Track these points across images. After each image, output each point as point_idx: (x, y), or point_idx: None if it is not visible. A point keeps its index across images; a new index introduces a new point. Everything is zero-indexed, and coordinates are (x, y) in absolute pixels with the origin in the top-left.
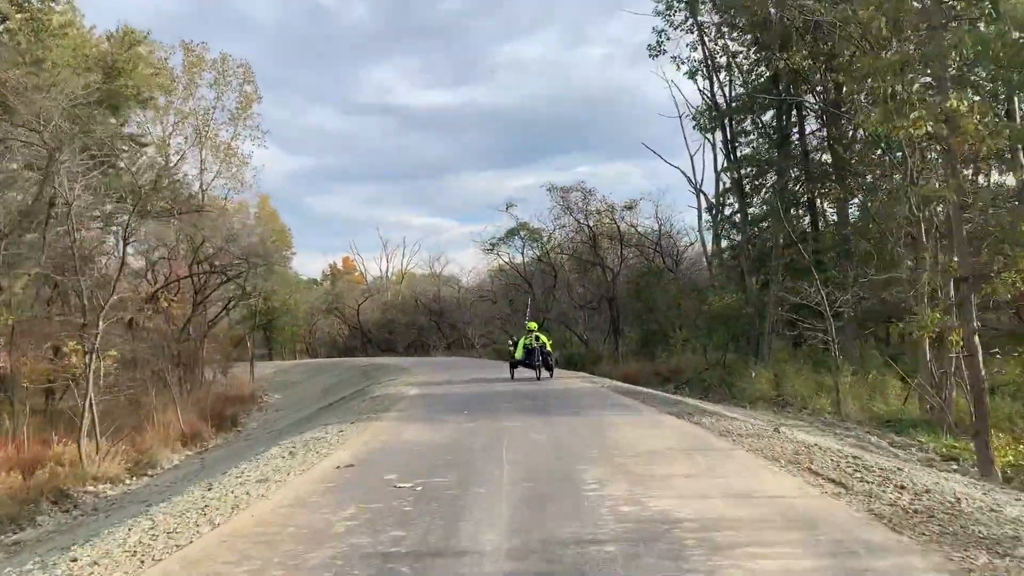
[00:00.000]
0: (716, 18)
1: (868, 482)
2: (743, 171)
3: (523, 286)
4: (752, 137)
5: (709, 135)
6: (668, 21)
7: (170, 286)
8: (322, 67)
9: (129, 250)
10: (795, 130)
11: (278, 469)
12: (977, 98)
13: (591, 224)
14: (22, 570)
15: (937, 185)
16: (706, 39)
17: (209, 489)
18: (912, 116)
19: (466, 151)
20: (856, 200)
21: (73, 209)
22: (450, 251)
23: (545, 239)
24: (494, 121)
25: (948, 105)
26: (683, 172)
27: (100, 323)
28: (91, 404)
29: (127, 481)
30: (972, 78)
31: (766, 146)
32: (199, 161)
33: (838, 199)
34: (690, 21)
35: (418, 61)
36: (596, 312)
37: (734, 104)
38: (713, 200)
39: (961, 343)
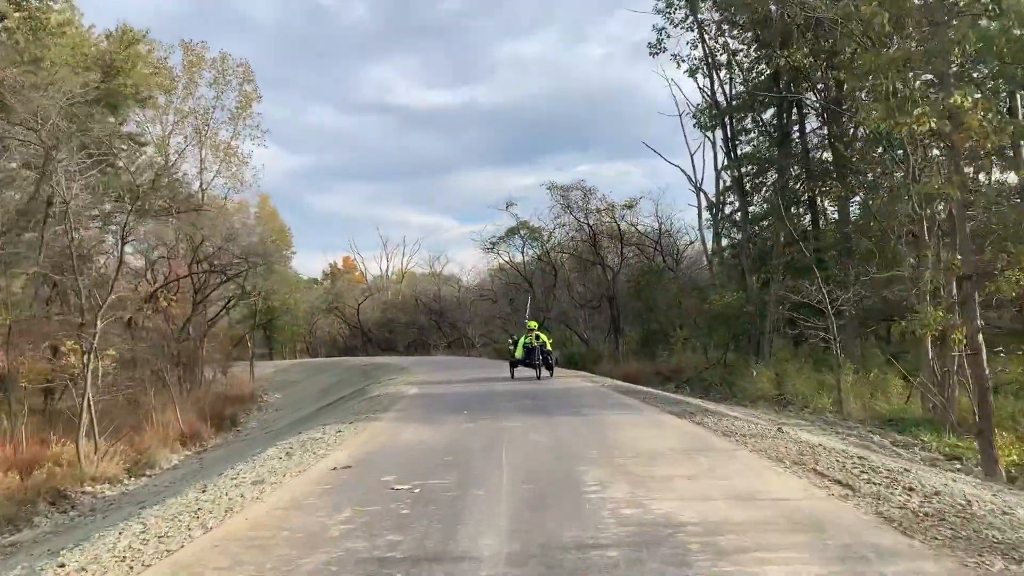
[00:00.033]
0: (716, 15)
1: (875, 483)
2: (743, 169)
3: (523, 285)
4: (753, 135)
5: (709, 133)
6: (668, 19)
7: (169, 285)
8: (322, 66)
9: (128, 249)
10: (796, 128)
11: (274, 470)
12: (979, 95)
13: (591, 223)
14: None
15: (940, 182)
16: (706, 37)
17: (203, 491)
18: (915, 113)
19: (466, 150)
20: (857, 198)
21: (71, 208)
22: (450, 250)
23: (545, 238)
24: (494, 120)
25: (952, 101)
26: (683, 171)
27: (98, 322)
28: (89, 404)
29: (125, 481)
30: (975, 74)
31: (767, 144)
32: (199, 160)
33: (839, 197)
34: (690, 19)
35: (418, 60)
36: (596, 311)
37: (734, 102)
38: (713, 199)
39: (964, 341)
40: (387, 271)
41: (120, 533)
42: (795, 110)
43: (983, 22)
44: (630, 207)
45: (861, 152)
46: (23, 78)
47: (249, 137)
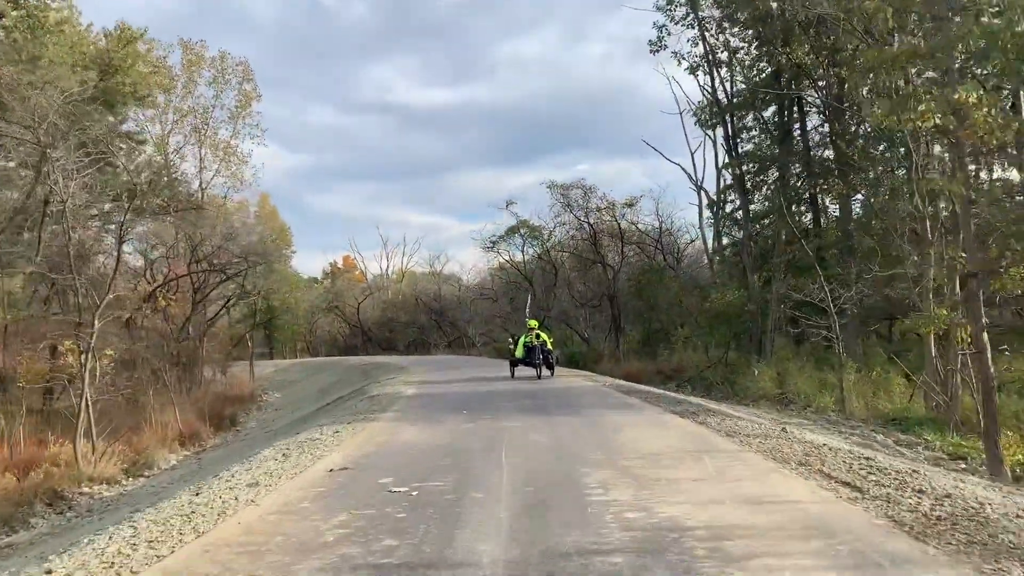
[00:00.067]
0: (717, 13)
1: (884, 486)
2: (744, 167)
3: (523, 284)
4: (754, 133)
5: (710, 131)
6: (669, 16)
7: (168, 285)
8: (322, 66)
9: (127, 248)
10: (797, 126)
11: (270, 472)
12: (982, 91)
13: (592, 222)
14: None
15: (944, 179)
16: (707, 34)
17: (197, 494)
18: (920, 109)
19: (466, 149)
20: (859, 196)
21: (68, 207)
22: (450, 249)
23: (545, 237)
24: (494, 120)
25: (957, 97)
26: (684, 169)
27: (96, 322)
28: (87, 404)
29: (123, 482)
30: (978, 71)
31: (768, 142)
32: (198, 159)
33: (841, 195)
34: (691, 16)
35: (418, 59)
36: (597, 310)
37: (735, 100)
38: (714, 197)
39: (968, 340)
40: (387, 270)
41: (110, 538)
42: (796, 107)
43: (985, 19)
44: (631, 205)
45: (863, 149)
46: (20, 76)
47: (249, 136)
